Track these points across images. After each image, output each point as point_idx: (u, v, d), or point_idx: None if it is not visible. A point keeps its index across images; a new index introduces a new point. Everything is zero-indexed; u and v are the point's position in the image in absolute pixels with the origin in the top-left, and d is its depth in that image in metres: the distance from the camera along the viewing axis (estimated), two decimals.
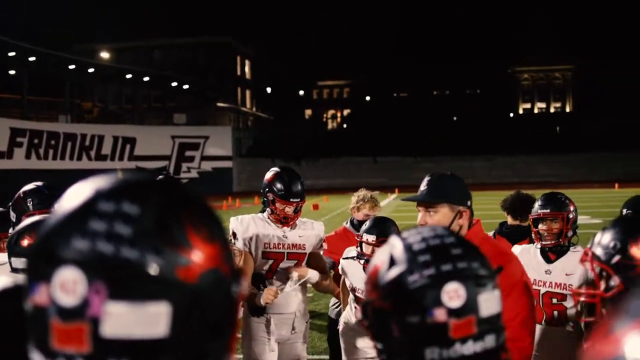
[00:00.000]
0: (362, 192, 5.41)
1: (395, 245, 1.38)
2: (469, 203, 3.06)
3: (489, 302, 1.32)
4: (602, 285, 1.85)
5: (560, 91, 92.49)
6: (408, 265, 1.32)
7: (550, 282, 4.17)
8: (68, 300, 0.84)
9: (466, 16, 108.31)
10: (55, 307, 0.85)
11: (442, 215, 3.00)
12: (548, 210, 4.21)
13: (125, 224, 0.86)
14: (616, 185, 39.36)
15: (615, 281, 1.81)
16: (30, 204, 3.94)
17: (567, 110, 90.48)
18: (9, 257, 2.85)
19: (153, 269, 0.85)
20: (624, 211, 4.07)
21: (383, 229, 4.17)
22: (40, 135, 39.18)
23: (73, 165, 40.30)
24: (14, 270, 2.79)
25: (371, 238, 4.16)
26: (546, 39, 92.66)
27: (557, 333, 4.08)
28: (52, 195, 3.98)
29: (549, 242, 4.21)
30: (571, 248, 4.28)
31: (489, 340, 1.30)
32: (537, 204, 4.34)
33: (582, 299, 1.92)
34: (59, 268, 0.85)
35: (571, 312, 4.17)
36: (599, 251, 1.88)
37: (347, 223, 5.48)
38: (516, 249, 4.26)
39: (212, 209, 0.98)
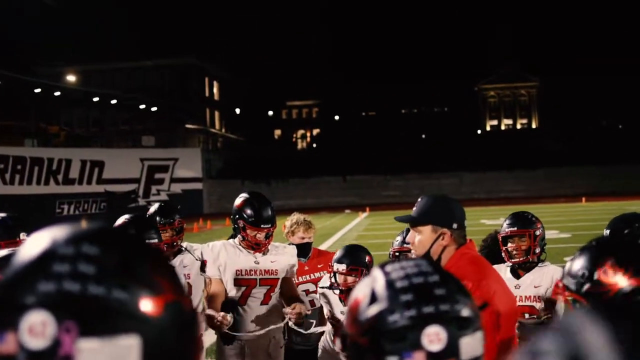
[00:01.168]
0: (295, 216, 5.39)
1: (377, 280, 1.35)
2: (454, 225, 3.10)
3: (471, 346, 1.28)
4: None
5: (526, 108, 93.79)
6: (389, 303, 1.29)
7: (520, 296, 4.27)
8: (38, 343, 0.84)
9: (432, 35, 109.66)
10: (24, 353, 0.84)
11: (425, 235, 3.09)
12: (515, 229, 4.31)
13: (88, 264, 0.88)
14: (583, 199, 39.94)
15: None
16: None
17: (533, 126, 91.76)
18: None
19: (120, 304, 0.88)
20: (605, 232, 4.09)
21: (354, 257, 4.17)
22: (6, 160, 38.60)
23: (40, 190, 39.72)
24: None
25: (342, 267, 4.14)
26: (511, 56, 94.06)
27: None
28: (17, 225, 3.95)
29: (518, 260, 4.30)
30: (539, 264, 4.39)
31: None
32: (505, 223, 4.43)
33: None
34: (25, 313, 0.85)
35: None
36: (569, 281, 1.89)
37: None
38: None
39: (161, 251, 1.04)
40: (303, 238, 5.19)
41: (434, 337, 1.25)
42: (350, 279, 4.16)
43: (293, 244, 5.22)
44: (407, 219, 3.16)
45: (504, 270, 4.38)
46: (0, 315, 0.87)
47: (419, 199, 3.20)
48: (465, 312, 1.30)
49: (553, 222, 24.22)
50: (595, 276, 1.82)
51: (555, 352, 0.61)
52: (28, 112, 46.69)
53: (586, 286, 1.83)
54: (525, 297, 4.27)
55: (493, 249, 5.09)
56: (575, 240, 18.22)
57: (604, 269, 1.81)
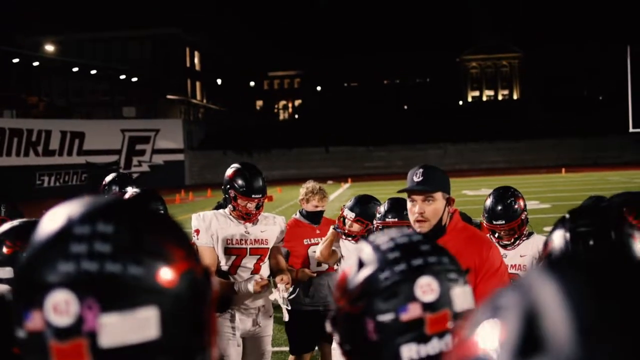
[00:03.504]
0: (310, 184, 5.56)
1: (362, 249, 1.35)
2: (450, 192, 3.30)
3: (462, 297, 1.29)
4: None
5: (508, 79, 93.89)
6: (378, 264, 1.29)
7: (507, 265, 4.36)
8: (63, 320, 0.90)
9: (414, 5, 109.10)
10: (51, 330, 0.90)
11: (439, 203, 3.15)
12: (503, 222, 4.34)
13: (104, 242, 0.93)
14: (563, 170, 40.30)
15: None
16: None
17: (515, 97, 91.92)
18: None
19: (136, 279, 0.93)
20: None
21: (363, 210, 4.59)
22: None
23: (20, 161, 39.28)
24: None
25: (350, 215, 4.60)
26: (492, 27, 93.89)
27: None
28: None
29: (508, 242, 4.40)
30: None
31: None
32: (489, 212, 4.42)
33: None
34: (49, 293, 0.91)
35: None
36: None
37: (297, 214, 5.64)
38: None
39: (174, 219, 1.07)
40: (317, 207, 5.45)
41: (426, 287, 1.26)
42: (355, 227, 4.58)
43: (307, 211, 5.48)
44: (422, 188, 3.11)
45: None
46: (26, 294, 0.94)
47: (420, 170, 3.17)
48: (453, 266, 1.31)
49: (534, 192, 24.46)
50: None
51: (513, 307, 0.62)
52: (7, 83, 46.03)
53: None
54: (512, 265, 4.37)
55: None
56: (555, 210, 18.43)
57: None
